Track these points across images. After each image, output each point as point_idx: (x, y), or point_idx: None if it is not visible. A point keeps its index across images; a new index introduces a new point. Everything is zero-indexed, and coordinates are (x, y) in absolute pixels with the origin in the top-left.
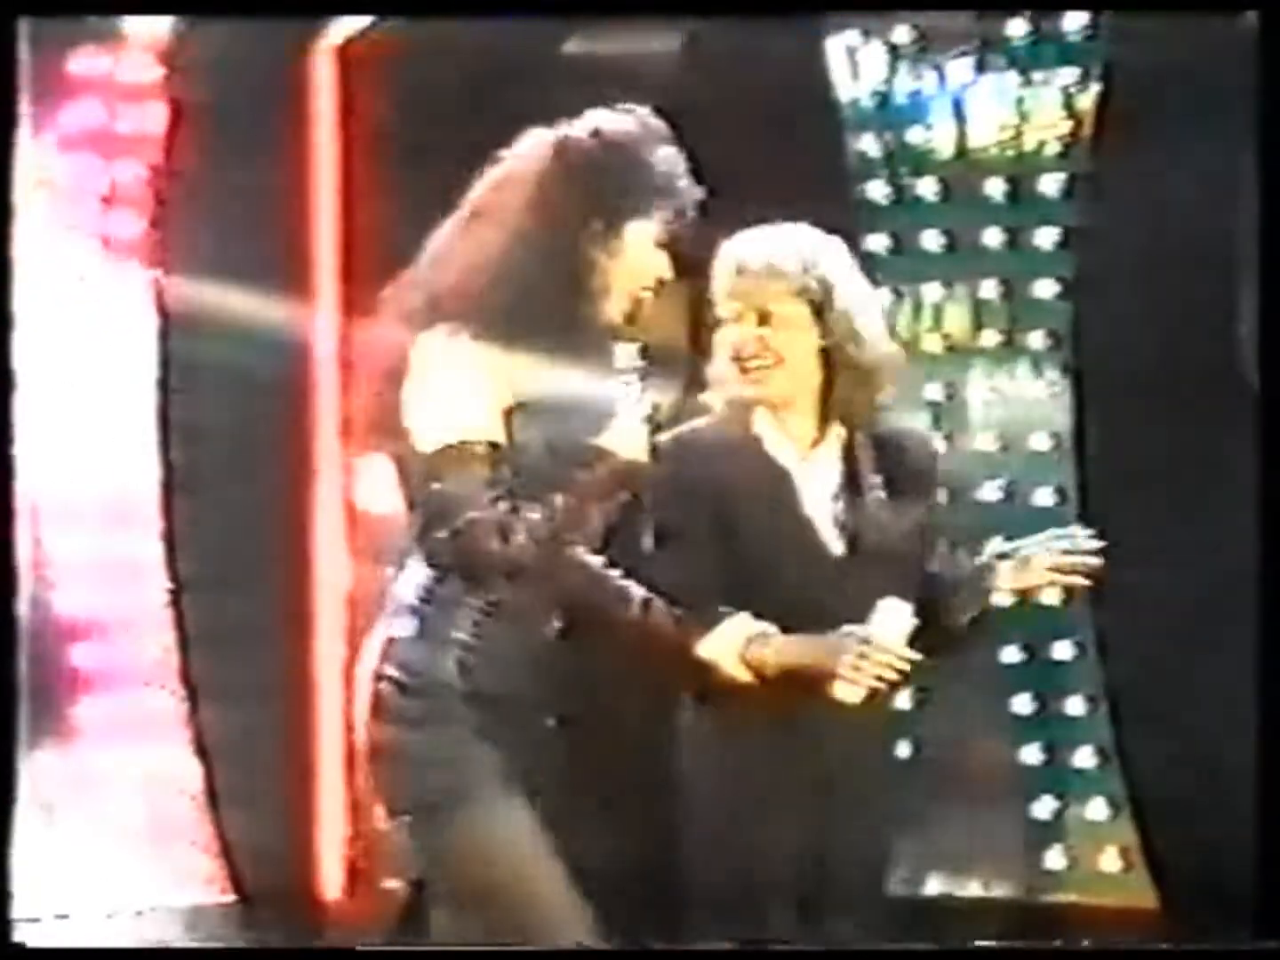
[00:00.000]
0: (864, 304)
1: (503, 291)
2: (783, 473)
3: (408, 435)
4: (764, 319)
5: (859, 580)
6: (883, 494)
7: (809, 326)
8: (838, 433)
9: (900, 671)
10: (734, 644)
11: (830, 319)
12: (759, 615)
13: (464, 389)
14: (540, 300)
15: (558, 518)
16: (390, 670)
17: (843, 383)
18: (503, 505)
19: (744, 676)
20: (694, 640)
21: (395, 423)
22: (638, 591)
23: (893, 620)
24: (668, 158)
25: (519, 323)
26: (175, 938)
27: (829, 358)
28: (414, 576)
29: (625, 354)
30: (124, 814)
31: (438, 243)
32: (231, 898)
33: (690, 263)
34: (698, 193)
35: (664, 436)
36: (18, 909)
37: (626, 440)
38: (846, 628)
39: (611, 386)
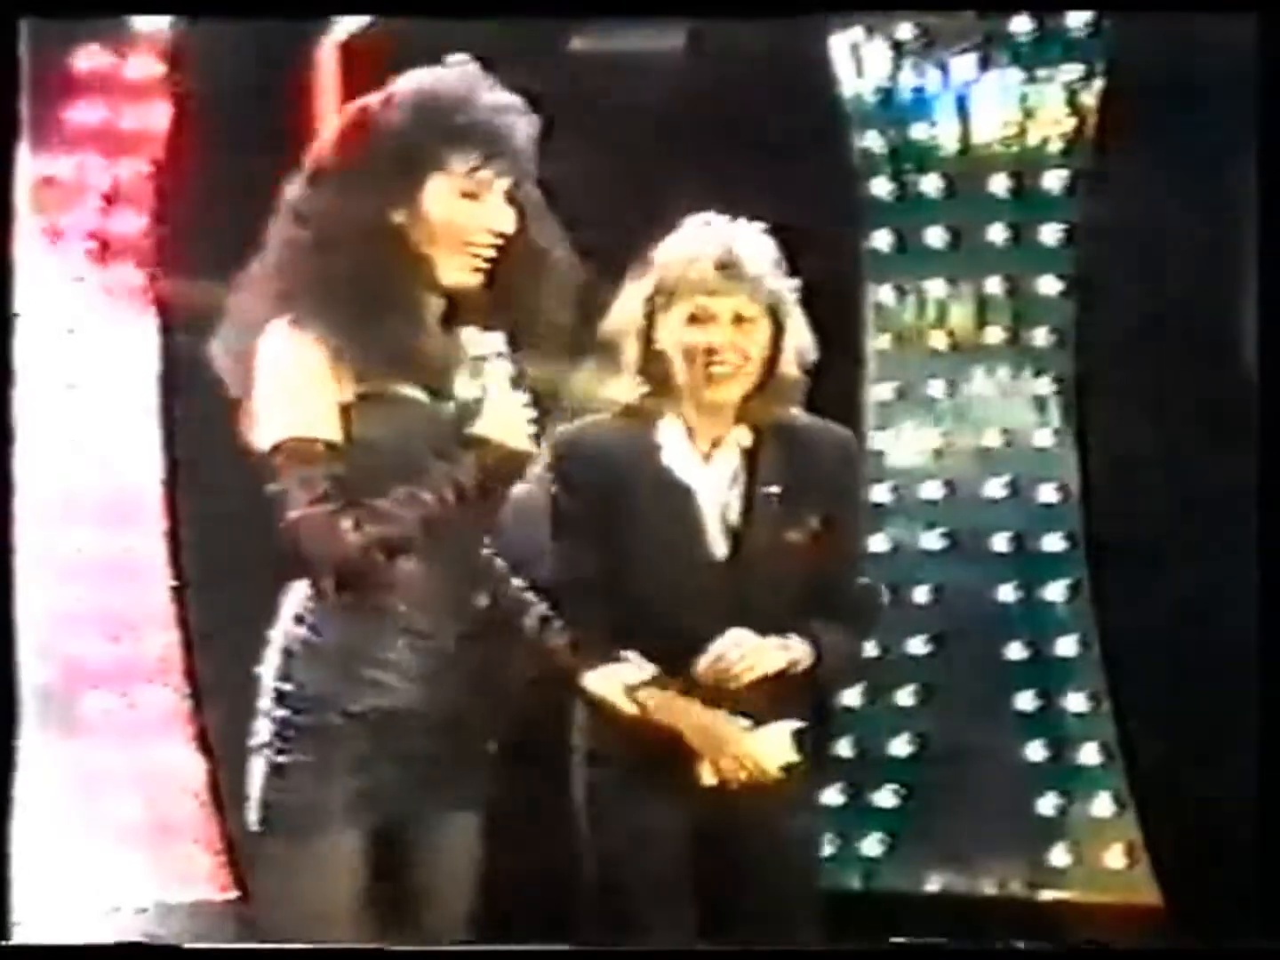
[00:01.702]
0: (797, 316)
1: (325, 278)
2: (677, 483)
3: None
4: (740, 320)
5: (738, 585)
6: (778, 498)
7: (765, 333)
8: (741, 436)
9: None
10: (620, 686)
11: (784, 332)
12: (643, 615)
13: (295, 384)
14: (363, 281)
15: (410, 518)
16: (273, 680)
17: (766, 392)
18: (331, 505)
19: (630, 710)
20: (584, 671)
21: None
22: (538, 606)
23: (776, 742)
24: (482, 102)
25: (347, 309)
26: (177, 934)
27: (771, 368)
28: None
29: (489, 336)
30: (126, 811)
31: (273, 231)
32: (234, 895)
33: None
34: (529, 128)
35: (567, 428)
36: (20, 906)
37: (504, 427)
38: (737, 725)
39: (475, 371)
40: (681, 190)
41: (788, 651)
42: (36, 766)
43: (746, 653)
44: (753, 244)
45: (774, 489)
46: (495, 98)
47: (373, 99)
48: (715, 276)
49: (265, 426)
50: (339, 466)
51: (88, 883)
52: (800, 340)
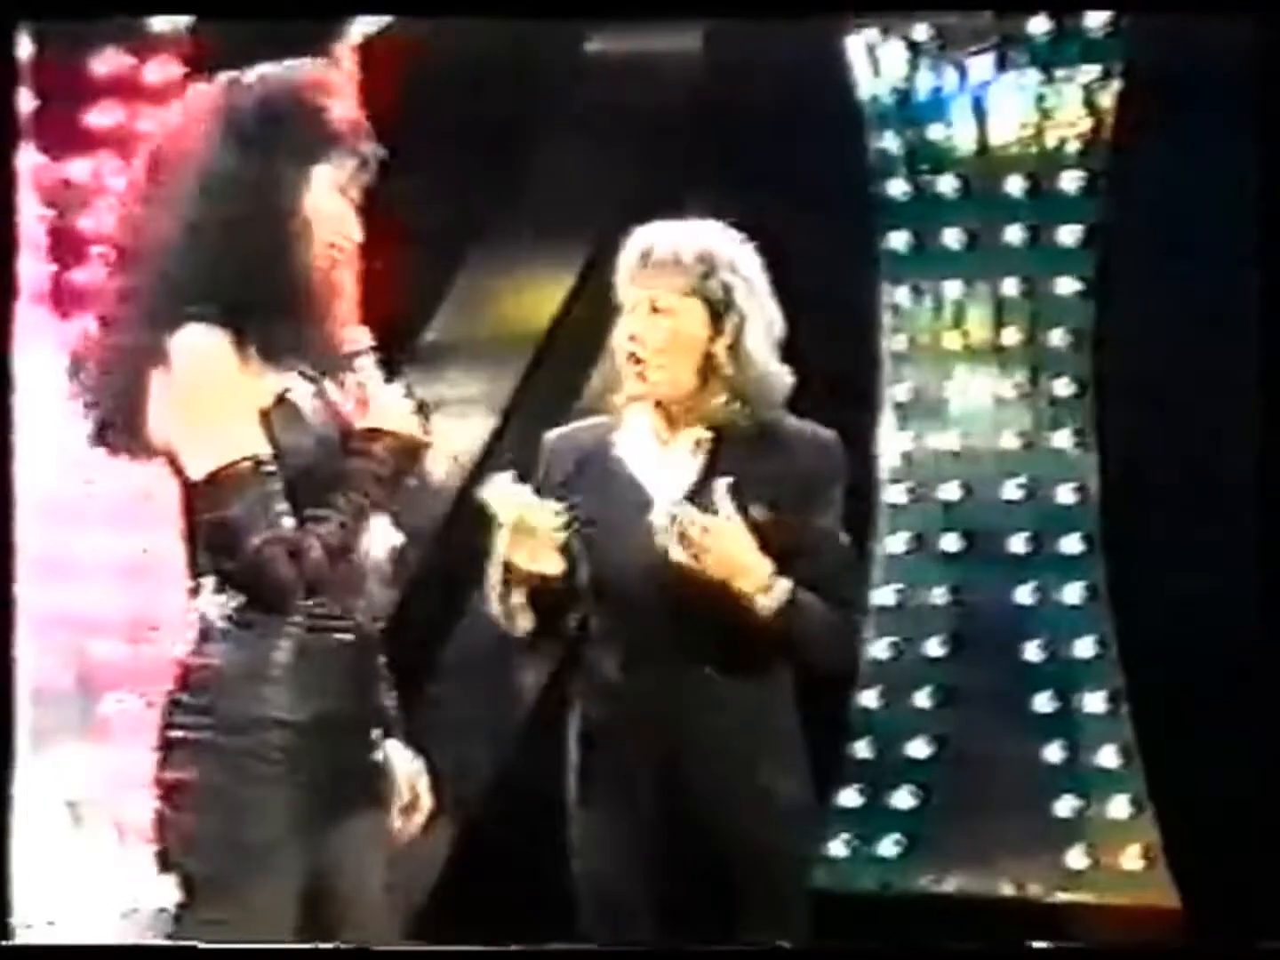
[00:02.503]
0: (759, 319)
1: (214, 260)
2: (628, 475)
3: (178, 457)
4: (655, 310)
5: (677, 569)
6: (728, 490)
7: (700, 327)
8: (698, 434)
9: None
10: None
11: (723, 325)
12: (597, 597)
13: (218, 400)
14: (254, 264)
15: (347, 520)
16: (193, 699)
17: (716, 390)
18: (286, 527)
19: None
20: None
21: (165, 443)
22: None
23: (500, 490)
24: (345, 108)
25: (246, 303)
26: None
27: (710, 363)
28: (215, 597)
29: (356, 330)
30: (145, 812)
31: (151, 229)
32: None
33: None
34: (378, 151)
35: (556, 431)
36: (34, 906)
37: (397, 418)
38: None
39: (348, 366)
40: (698, 191)
41: (756, 563)
42: (54, 768)
43: (708, 526)
44: (682, 237)
45: (725, 481)
46: (356, 114)
47: (244, 77)
48: (636, 265)
49: (196, 455)
50: (276, 481)
51: (106, 884)
52: (747, 339)
